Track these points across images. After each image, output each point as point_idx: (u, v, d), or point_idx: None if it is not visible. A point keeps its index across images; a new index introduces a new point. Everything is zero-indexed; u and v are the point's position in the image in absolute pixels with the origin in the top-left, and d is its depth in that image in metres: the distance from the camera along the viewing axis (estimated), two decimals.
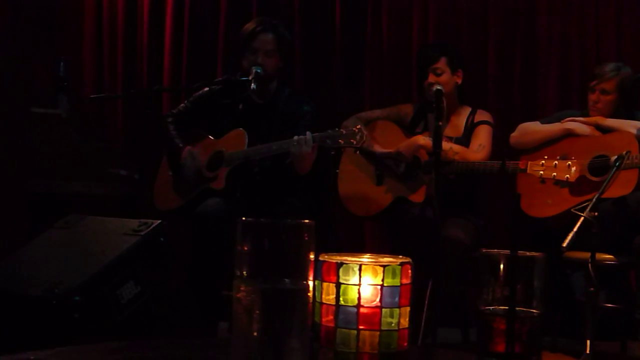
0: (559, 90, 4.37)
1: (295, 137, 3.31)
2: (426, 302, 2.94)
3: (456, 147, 3.56)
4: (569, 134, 3.56)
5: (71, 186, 4.00)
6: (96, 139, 4.37)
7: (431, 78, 3.65)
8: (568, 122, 3.59)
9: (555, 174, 3.20)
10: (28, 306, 2.39)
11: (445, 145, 3.49)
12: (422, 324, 2.99)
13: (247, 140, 3.52)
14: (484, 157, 3.58)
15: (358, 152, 3.60)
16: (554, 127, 3.61)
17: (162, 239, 2.63)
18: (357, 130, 3.26)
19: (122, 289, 2.46)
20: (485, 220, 3.83)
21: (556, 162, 3.20)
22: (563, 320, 3.45)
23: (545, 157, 3.28)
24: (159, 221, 2.65)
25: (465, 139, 3.68)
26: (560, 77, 4.38)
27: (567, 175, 3.18)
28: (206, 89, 3.74)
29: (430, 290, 2.88)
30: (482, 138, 3.65)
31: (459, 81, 3.72)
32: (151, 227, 2.61)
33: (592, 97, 3.62)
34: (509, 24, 4.48)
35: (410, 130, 3.79)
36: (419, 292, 2.95)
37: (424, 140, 3.57)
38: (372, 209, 3.76)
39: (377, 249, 4.37)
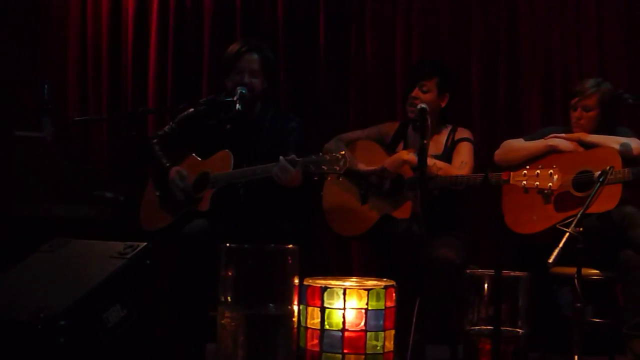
0: (542, 107, 4.40)
1: (280, 165, 3.31)
2: (413, 322, 2.94)
3: (440, 163, 3.58)
4: (553, 150, 3.58)
5: (56, 209, 3.98)
6: (81, 161, 4.35)
7: (416, 92, 3.68)
8: (551, 139, 3.61)
9: (537, 183, 3.19)
10: (13, 331, 2.37)
11: (429, 160, 3.51)
12: (410, 344, 2.98)
13: (232, 162, 3.52)
14: (466, 173, 3.59)
15: (341, 177, 3.59)
16: (538, 144, 3.63)
17: (148, 261, 2.62)
18: (340, 157, 3.26)
19: (108, 312, 2.45)
20: (472, 237, 3.83)
21: (538, 171, 3.20)
22: (551, 336, 3.45)
23: (527, 167, 3.28)
24: (145, 244, 2.64)
25: (445, 157, 3.70)
26: (543, 93, 4.41)
27: (550, 184, 3.17)
28: (191, 109, 3.74)
29: (418, 310, 2.87)
30: (464, 155, 3.67)
31: (443, 105, 3.74)
32: (137, 250, 2.60)
33: (575, 114, 3.65)
34: (491, 42, 4.51)
35: (390, 149, 3.81)
36: (408, 311, 2.94)
37: (407, 155, 3.59)
38: (358, 229, 3.76)
39: (364, 270, 4.36)
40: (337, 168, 3.25)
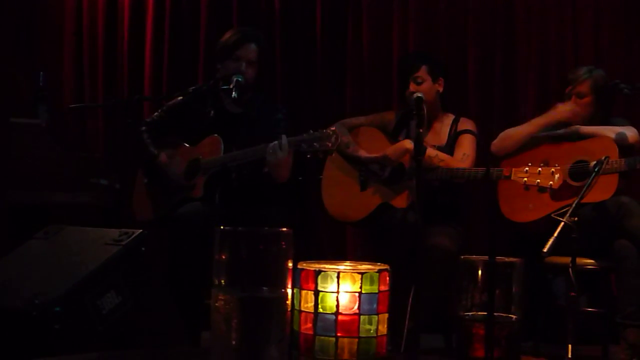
0: (538, 98, 4.40)
1: (271, 144, 3.29)
2: (408, 309, 2.94)
3: (442, 155, 3.59)
4: (549, 141, 3.58)
5: (51, 196, 3.98)
6: (76, 148, 4.35)
7: (412, 87, 3.67)
8: (544, 115, 3.63)
9: (539, 180, 3.21)
10: (8, 318, 2.37)
11: (431, 151, 3.53)
12: (405, 331, 2.99)
13: (222, 147, 3.50)
14: (468, 166, 3.59)
15: (334, 155, 3.56)
16: (533, 123, 3.64)
17: (143, 248, 2.63)
18: (331, 132, 3.21)
19: (103, 299, 2.46)
20: (468, 226, 3.84)
21: (540, 169, 3.21)
22: (545, 325, 3.46)
23: (530, 163, 3.29)
24: (140, 231, 2.65)
25: (448, 148, 3.69)
26: (539, 84, 4.41)
27: (551, 182, 3.18)
28: (179, 98, 3.73)
29: (413, 297, 2.88)
30: (466, 147, 3.67)
31: (440, 89, 3.74)
32: (132, 237, 2.61)
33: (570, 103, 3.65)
34: (488, 33, 4.50)
35: (393, 137, 3.81)
36: (403, 299, 2.95)
37: (410, 144, 3.57)
38: (356, 215, 3.76)
39: (359, 256, 4.37)
40: (329, 145, 3.19)
